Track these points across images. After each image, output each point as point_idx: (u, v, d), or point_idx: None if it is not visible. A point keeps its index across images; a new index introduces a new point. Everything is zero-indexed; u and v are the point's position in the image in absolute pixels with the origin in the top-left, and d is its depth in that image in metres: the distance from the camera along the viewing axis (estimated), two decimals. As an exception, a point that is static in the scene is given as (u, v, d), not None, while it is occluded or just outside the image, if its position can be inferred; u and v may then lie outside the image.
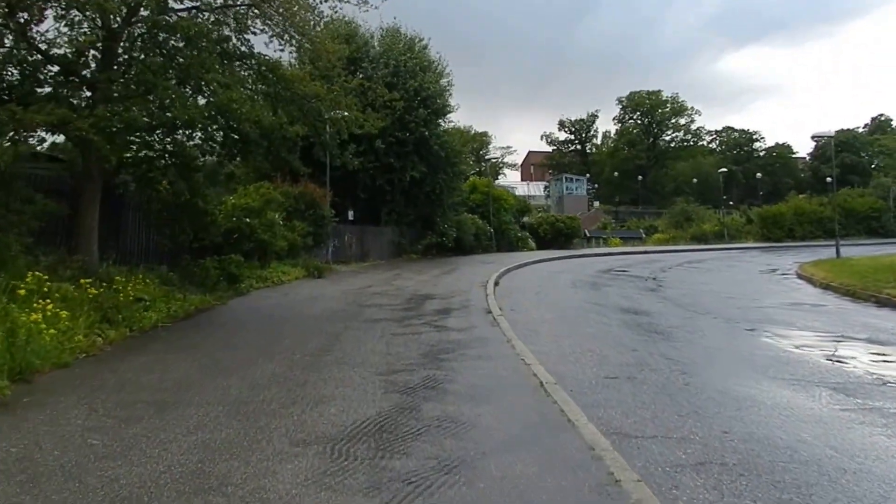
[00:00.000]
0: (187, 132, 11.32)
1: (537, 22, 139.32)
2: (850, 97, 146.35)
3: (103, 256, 12.45)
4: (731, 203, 76.10)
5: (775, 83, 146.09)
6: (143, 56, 10.04)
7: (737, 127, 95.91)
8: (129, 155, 12.05)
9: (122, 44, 10.58)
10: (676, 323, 10.93)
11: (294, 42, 11.79)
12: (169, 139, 11.42)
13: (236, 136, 11.13)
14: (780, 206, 50.68)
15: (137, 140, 10.94)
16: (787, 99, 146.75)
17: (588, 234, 49.65)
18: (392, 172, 27.79)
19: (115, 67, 10.21)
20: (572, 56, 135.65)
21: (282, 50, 12.13)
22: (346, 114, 14.14)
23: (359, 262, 25.72)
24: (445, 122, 30.62)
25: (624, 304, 13.59)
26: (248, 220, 16.31)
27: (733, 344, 9.24)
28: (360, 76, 24.86)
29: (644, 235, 54.22)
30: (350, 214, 27.54)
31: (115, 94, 9.87)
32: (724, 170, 64.16)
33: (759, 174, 68.38)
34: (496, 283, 17.95)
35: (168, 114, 8.96)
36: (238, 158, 12.86)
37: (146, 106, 9.02)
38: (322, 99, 12.39)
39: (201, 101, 10.45)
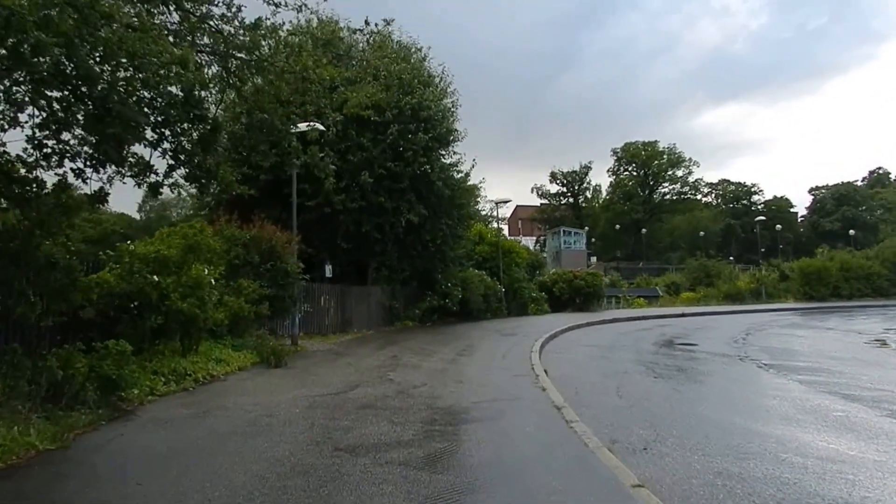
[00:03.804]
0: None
1: (516, 78, 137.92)
2: (832, 154, 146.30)
3: None
4: (731, 258, 71.81)
5: (756, 139, 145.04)
6: None
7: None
8: None
9: None
10: None
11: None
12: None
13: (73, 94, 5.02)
14: (822, 261, 44.59)
15: None
16: (767, 155, 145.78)
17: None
18: (383, 215, 21.39)
19: None
20: (551, 111, 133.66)
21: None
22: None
23: (339, 334, 19.28)
24: (450, 153, 24.34)
25: (819, 441, 7.53)
26: (156, 278, 10.03)
27: None
28: (343, 91, 19.24)
29: (660, 293, 48.36)
30: (328, 269, 21.21)
31: None
32: (761, 219, 58.63)
33: (778, 226, 63.79)
34: (545, 372, 11.88)
35: None
36: (105, 161, 6.73)
37: None
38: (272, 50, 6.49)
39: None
